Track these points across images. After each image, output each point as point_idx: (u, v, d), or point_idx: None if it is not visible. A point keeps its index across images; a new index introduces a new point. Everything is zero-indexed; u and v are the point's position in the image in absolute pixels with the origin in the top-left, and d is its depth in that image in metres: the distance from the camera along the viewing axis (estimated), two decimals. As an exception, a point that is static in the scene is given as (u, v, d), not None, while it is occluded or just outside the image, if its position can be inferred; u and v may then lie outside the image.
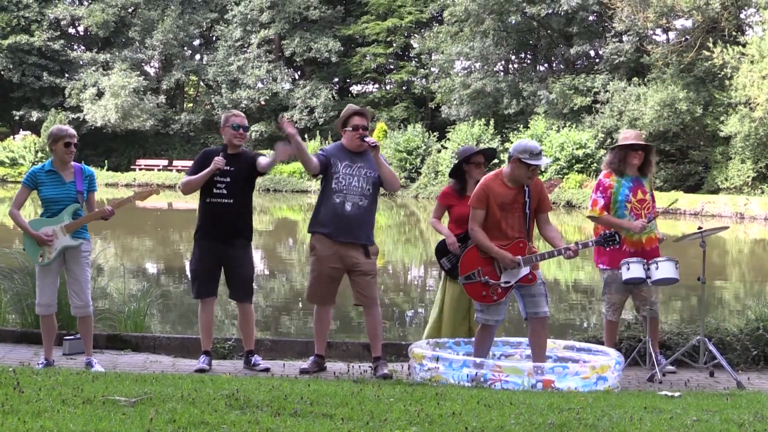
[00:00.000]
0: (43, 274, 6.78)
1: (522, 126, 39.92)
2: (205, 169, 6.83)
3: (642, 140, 7.43)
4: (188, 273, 7.32)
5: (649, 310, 7.13)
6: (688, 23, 37.11)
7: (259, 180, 7.57)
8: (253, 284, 7.16)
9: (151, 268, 16.60)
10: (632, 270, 6.93)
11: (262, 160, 6.94)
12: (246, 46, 54.06)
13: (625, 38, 39.22)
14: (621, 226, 7.09)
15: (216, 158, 6.81)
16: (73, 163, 6.87)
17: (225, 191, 6.85)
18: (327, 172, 6.78)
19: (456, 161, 7.34)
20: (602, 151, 37.16)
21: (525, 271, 6.29)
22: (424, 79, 51.43)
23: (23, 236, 6.80)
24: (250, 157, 6.99)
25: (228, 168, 6.84)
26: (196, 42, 59.33)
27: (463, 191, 7.13)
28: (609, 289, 7.27)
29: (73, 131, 6.88)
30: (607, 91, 37.80)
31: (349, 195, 6.73)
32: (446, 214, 7.31)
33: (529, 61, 49.06)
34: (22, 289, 8.10)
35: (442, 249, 7.10)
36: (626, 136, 7.43)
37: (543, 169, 34.97)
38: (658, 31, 39.61)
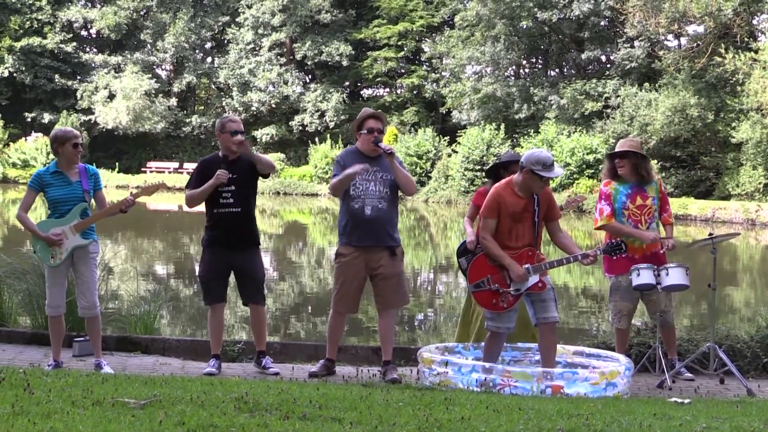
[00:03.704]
0: (53, 275, 6.78)
1: (532, 131, 39.85)
2: (208, 180, 6.81)
3: (627, 147, 7.22)
4: (198, 278, 7.32)
5: (659, 317, 7.09)
6: (700, 29, 36.99)
7: (269, 183, 7.59)
8: (264, 286, 7.17)
9: (162, 270, 16.63)
10: (642, 276, 6.88)
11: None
12: (257, 49, 54.18)
13: (636, 44, 39.12)
14: (631, 235, 7.04)
15: (218, 173, 6.78)
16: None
17: (232, 200, 6.85)
18: None
19: (496, 162, 7.35)
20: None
21: (535, 279, 6.28)
22: (434, 84, 51.38)
23: (33, 239, 6.78)
24: (248, 160, 6.93)
25: (231, 176, 6.84)
26: (208, 45, 59.48)
27: None
28: (614, 296, 7.22)
29: (77, 132, 6.89)
30: (618, 96, 37.69)
31: (367, 199, 6.73)
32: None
33: (540, 66, 49.00)
34: (34, 289, 8.10)
35: (463, 249, 7.11)
36: (619, 144, 7.35)
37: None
38: (670, 36, 39.49)
